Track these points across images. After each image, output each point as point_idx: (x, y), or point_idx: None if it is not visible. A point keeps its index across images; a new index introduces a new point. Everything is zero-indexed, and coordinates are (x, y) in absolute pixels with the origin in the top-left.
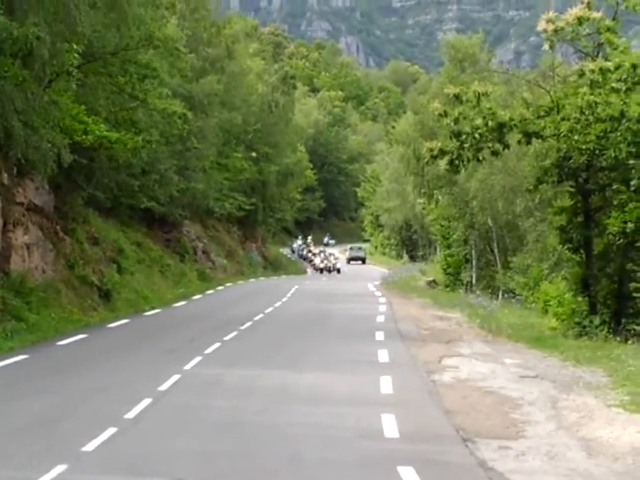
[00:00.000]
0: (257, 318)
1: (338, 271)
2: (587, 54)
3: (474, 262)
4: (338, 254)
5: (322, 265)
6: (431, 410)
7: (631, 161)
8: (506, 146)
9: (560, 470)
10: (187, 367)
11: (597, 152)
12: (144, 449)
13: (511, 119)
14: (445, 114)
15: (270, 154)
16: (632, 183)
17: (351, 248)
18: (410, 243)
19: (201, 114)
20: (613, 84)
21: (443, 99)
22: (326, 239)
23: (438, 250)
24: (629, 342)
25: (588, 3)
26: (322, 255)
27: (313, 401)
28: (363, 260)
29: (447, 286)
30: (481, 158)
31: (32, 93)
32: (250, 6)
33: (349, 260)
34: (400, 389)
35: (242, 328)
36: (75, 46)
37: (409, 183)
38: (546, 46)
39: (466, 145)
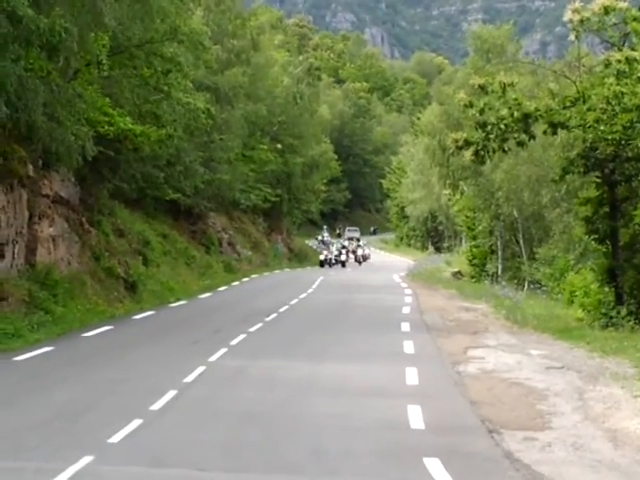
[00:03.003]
0: (282, 310)
1: (343, 264)
2: (613, 44)
3: (500, 253)
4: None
5: (322, 257)
6: (457, 401)
7: None
8: (532, 137)
9: (586, 461)
10: (212, 359)
11: (623, 142)
12: (169, 440)
13: (537, 109)
14: (470, 105)
15: (295, 146)
16: None
17: (349, 230)
18: (435, 234)
19: (227, 106)
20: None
21: (468, 90)
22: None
23: (463, 241)
24: None
25: None
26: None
27: (338, 392)
28: (358, 239)
29: (473, 277)
30: (507, 149)
31: (57, 85)
32: None
33: (347, 239)
34: (426, 380)
35: (267, 320)
36: (105, 37)
37: (434, 174)
38: (572, 36)
39: (491, 136)
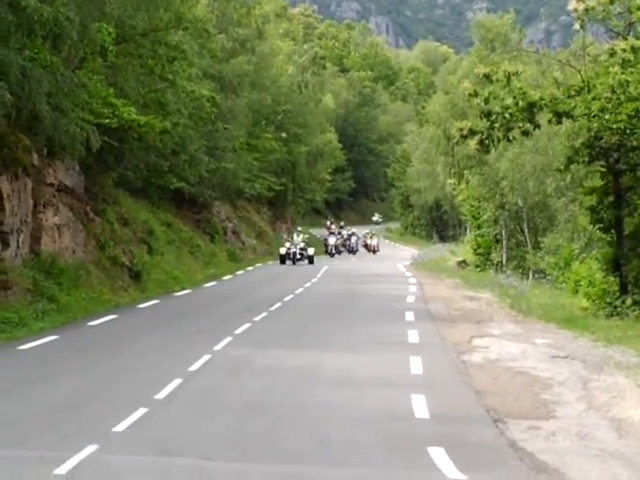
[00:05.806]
0: (287, 299)
1: (310, 260)
2: (618, 33)
3: (504, 242)
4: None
5: (283, 251)
6: (461, 391)
7: None
8: (536, 126)
9: (590, 450)
10: (217, 347)
11: (628, 131)
12: (174, 430)
13: (542, 99)
14: (475, 94)
15: (300, 134)
16: None
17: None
18: (440, 223)
19: (231, 94)
20: None
21: (473, 79)
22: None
23: (468, 230)
24: None
25: None
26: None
27: (342, 382)
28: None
29: (477, 266)
30: (511, 138)
31: (61, 75)
32: None
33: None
34: (430, 370)
35: (272, 309)
36: (110, 27)
37: (439, 163)
38: (577, 25)
39: (496, 125)
